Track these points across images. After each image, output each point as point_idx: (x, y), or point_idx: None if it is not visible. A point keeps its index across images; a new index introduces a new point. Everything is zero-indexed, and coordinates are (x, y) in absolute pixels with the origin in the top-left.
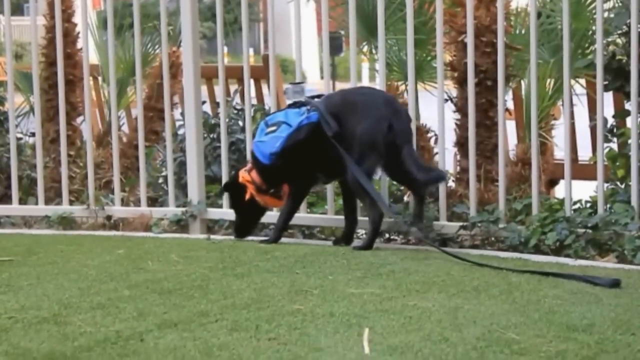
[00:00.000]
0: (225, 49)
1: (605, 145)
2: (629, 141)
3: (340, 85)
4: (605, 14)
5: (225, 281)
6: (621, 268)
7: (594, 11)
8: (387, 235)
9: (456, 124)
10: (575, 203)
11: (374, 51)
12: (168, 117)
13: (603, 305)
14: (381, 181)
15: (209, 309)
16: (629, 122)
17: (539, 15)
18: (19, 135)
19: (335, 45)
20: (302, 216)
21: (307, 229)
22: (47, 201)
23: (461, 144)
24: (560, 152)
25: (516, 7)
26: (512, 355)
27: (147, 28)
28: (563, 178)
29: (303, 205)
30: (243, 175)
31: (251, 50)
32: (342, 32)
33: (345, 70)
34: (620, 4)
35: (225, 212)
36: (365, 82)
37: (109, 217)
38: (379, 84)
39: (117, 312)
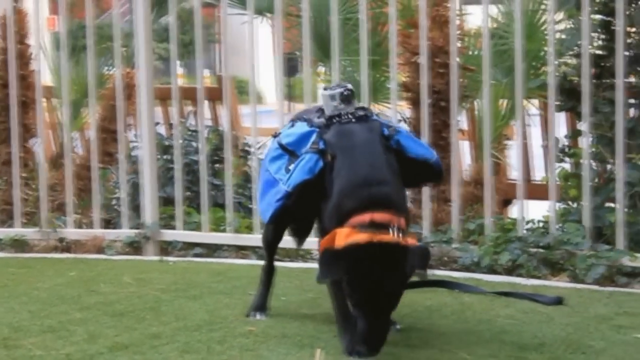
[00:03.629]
0: (182, 70)
1: (558, 165)
2: (582, 161)
3: (299, 107)
4: (558, 35)
5: (178, 303)
6: (573, 287)
7: (546, 32)
8: None
9: None
10: (528, 223)
11: (329, 72)
12: (121, 139)
13: (554, 325)
14: None
15: (160, 331)
16: (582, 142)
17: (492, 36)
18: None
19: (291, 66)
20: (256, 237)
21: (261, 249)
22: None
23: None
24: (514, 172)
25: (470, 29)
26: None
27: (102, 49)
28: (516, 198)
29: (258, 227)
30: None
31: (208, 72)
32: (298, 53)
33: (302, 91)
34: (572, 26)
35: (179, 234)
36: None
37: (61, 240)
38: None
39: (68, 335)
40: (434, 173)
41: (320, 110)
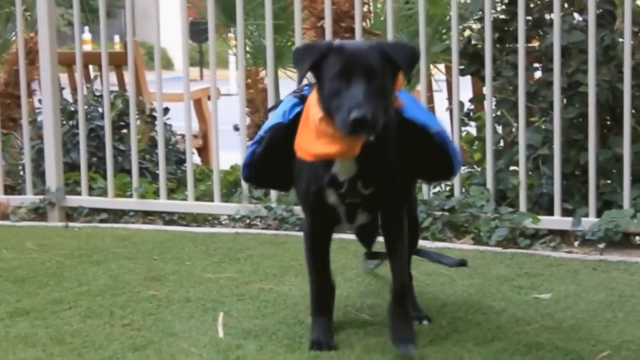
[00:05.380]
0: (91, 35)
1: (462, 129)
2: (485, 124)
3: (208, 73)
4: (461, 0)
5: (81, 268)
6: (476, 249)
7: None
8: (247, 221)
9: None
10: (434, 187)
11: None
12: (24, 104)
13: (456, 286)
14: None
15: (62, 297)
16: (486, 106)
17: (397, 0)
18: None
19: (199, 31)
20: (162, 202)
21: (168, 215)
22: None
23: None
24: None
25: None
26: (365, 337)
27: (5, 14)
28: None
29: (163, 192)
30: None
31: (117, 37)
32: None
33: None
34: None
35: (85, 200)
36: (232, 70)
37: None
38: (239, 71)
39: None
40: (440, 154)
41: None
